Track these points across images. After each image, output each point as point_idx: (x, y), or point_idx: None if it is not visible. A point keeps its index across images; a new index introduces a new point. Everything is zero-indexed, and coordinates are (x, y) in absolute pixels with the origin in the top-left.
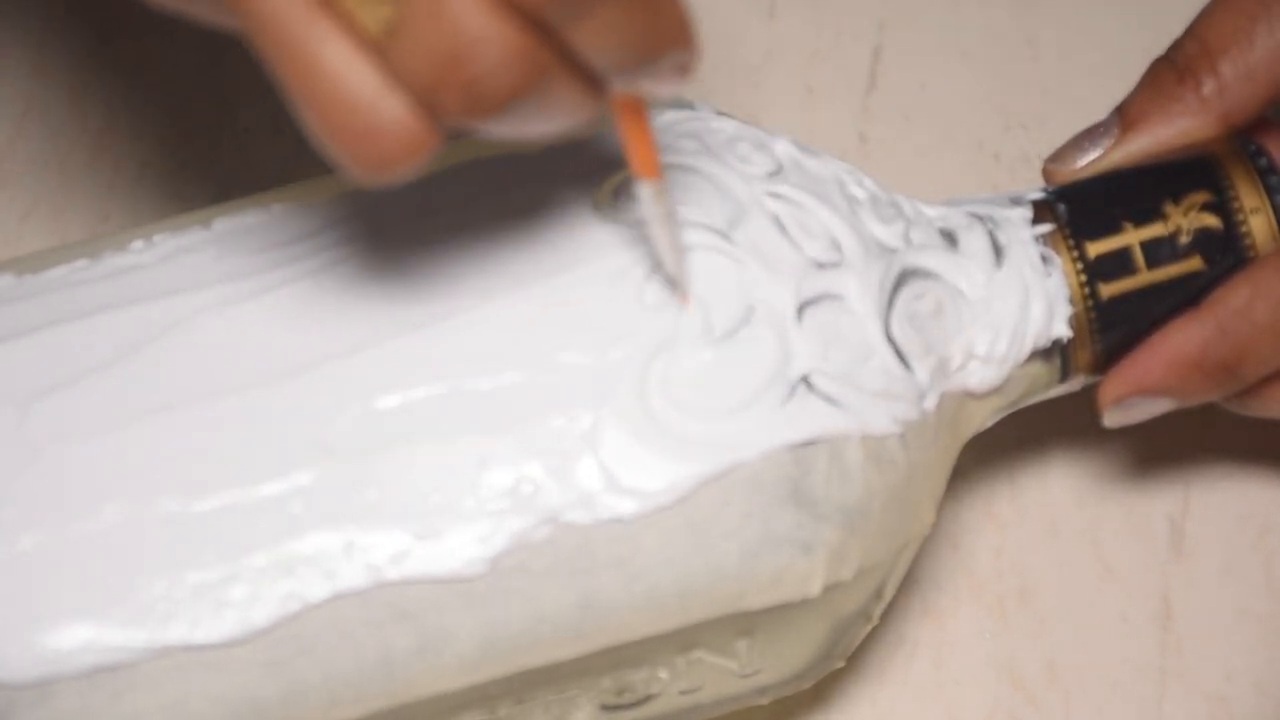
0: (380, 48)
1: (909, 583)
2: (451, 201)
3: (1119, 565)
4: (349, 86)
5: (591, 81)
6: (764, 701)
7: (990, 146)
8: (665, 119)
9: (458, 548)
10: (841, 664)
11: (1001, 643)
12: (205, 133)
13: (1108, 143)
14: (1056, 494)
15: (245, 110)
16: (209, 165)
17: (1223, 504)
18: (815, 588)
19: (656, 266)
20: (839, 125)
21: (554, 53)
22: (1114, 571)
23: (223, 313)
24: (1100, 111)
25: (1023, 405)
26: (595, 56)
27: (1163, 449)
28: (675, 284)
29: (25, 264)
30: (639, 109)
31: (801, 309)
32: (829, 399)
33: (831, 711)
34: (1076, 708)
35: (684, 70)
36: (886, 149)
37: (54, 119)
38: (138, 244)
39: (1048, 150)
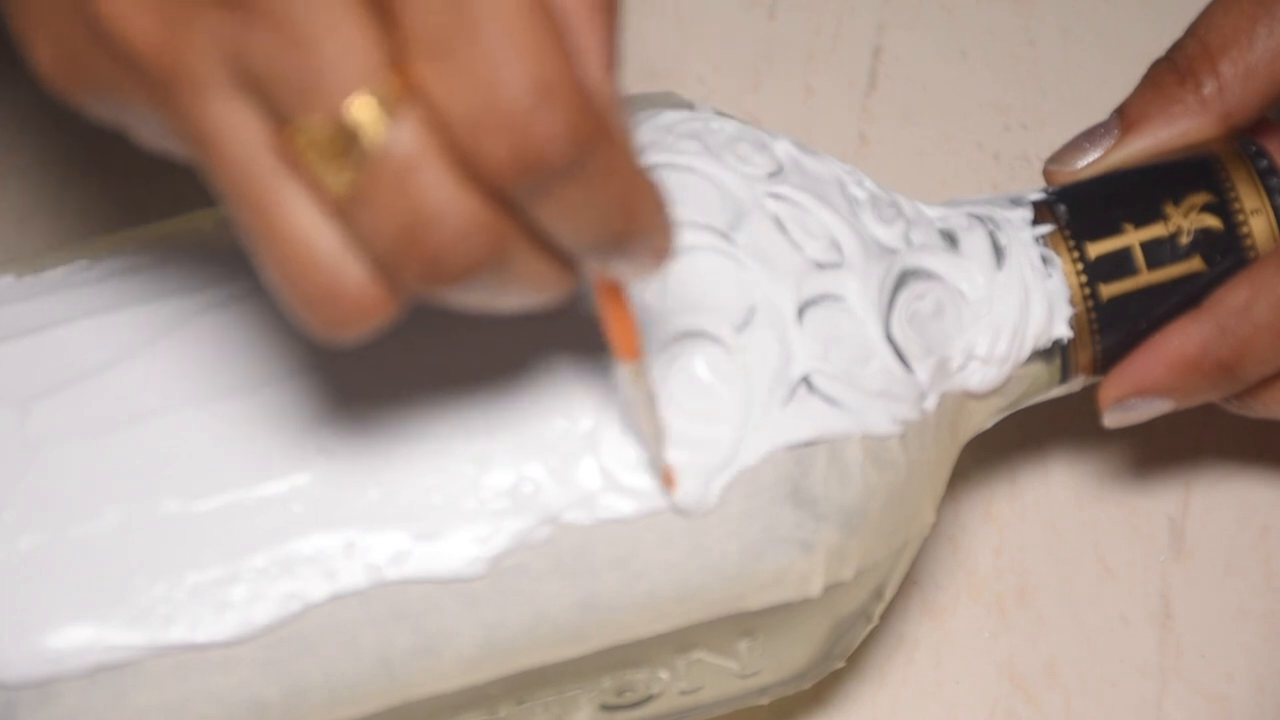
0: (343, 211)
1: (909, 582)
2: None
3: (1119, 565)
4: (311, 246)
5: (562, 260)
6: (764, 702)
7: (990, 146)
8: (666, 119)
9: (458, 548)
10: (842, 664)
11: (1001, 642)
12: None
13: (1108, 144)
14: (1056, 494)
15: None
16: None
17: (1223, 504)
18: (815, 588)
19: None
20: (839, 125)
21: (519, 228)
22: (1114, 571)
23: (222, 313)
24: (1100, 111)
25: (1023, 405)
26: (563, 236)
27: (1163, 449)
28: (655, 468)
29: (25, 265)
30: (616, 291)
31: (802, 309)
32: (829, 399)
33: (831, 711)
34: (1076, 708)
35: (660, 254)
36: (886, 149)
37: (54, 119)
38: (137, 245)
39: (1047, 150)
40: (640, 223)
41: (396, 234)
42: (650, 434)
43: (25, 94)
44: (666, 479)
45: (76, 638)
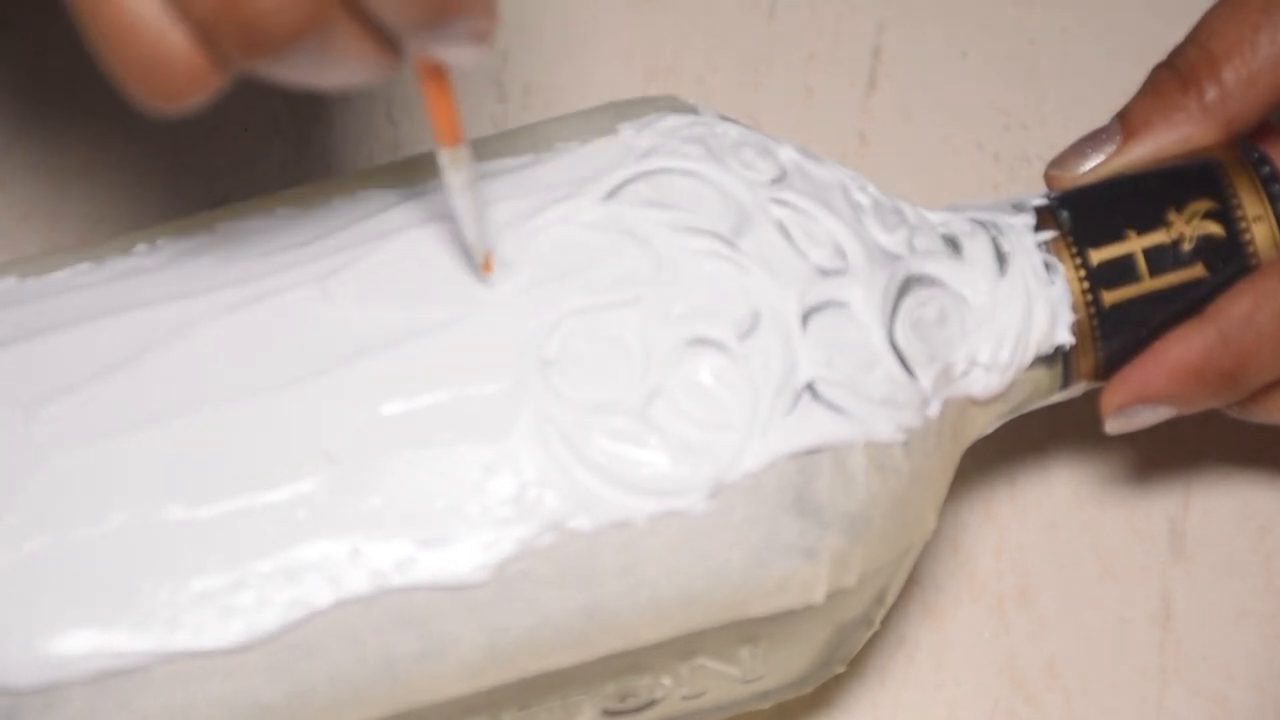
0: None
1: (910, 583)
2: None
3: (1119, 565)
4: (132, 13)
5: (382, 39)
6: (765, 706)
7: (990, 146)
8: (669, 123)
9: (463, 554)
10: (843, 669)
11: (1001, 643)
12: (204, 133)
13: (1110, 149)
14: (1057, 494)
15: (245, 110)
16: (208, 165)
17: (1223, 504)
18: (819, 595)
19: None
20: (839, 125)
21: (339, 1)
22: (1114, 572)
23: (227, 318)
24: (1100, 111)
25: (1024, 411)
26: (384, 13)
27: (1163, 449)
28: (473, 253)
29: (28, 266)
30: (439, 74)
31: (806, 316)
32: (833, 407)
33: (832, 712)
34: (1076, 708)
35: (480, 37)
36: (886, 149)
37: (53, 119)
38: (141, 247)
39: (1048, 150)
40: (458, 3)
41: (216, 1)
42: (469, 218)
43: (25, 93)
44: (486, 265)
45: (81, 643)
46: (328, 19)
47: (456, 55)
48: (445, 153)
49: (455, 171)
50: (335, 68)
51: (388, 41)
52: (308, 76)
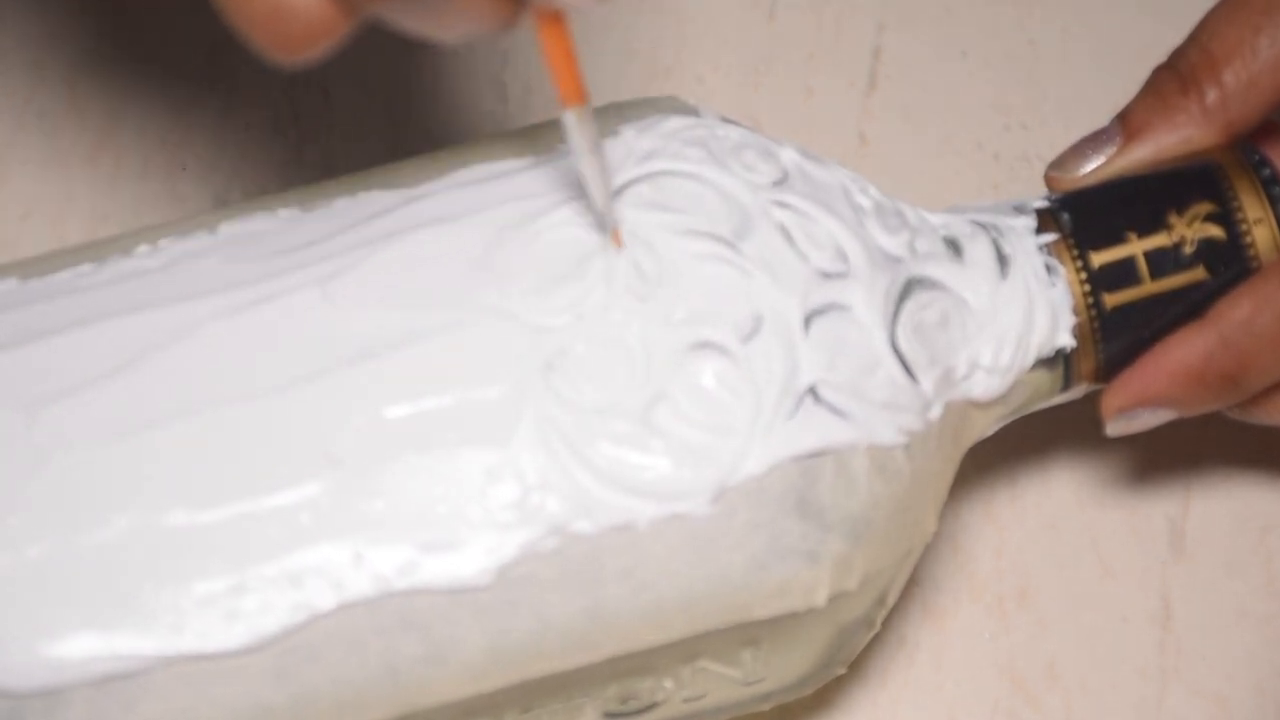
0: None
1: (909, 584)
2: (458, 211)
3: (1119, 566)
4: None
5: None
6: (766, 708)
7: (990, 146)
8: (670, 125)
9: (465, 558)
10: (844, 670)
11: (1001, 643)
12: (205, 132)
13: (1110, 150)
14: (1057, 494)
15: (245, 110)
16: (209, 165)
17: (1223, 504)
18: (821, 598)
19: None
20: (839, 125)
21: None
22: (1114, 572)
23: (229, 320)
24: (1100, 111)
25: (1025, 413)
26: None
27: (1163, 450)
28: (603, 222)
29: (30, 267)
30: (559, 23)
31: (808, 319)
32: (835, 410)
33: (833, 712)
34: (1076, 708)
35: None
36: (886, 149)
37: (54, 118)
38: (143, 248)
39: (1048, 150)
40: None
41: None
42: (598, 185)
43: (27, 93)
44: (615, 237)
45: (84, 646)
46: None
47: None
48: (570, 113)
49: (581, 133)
50: (458, 14)
51: None
52: (430, 24)
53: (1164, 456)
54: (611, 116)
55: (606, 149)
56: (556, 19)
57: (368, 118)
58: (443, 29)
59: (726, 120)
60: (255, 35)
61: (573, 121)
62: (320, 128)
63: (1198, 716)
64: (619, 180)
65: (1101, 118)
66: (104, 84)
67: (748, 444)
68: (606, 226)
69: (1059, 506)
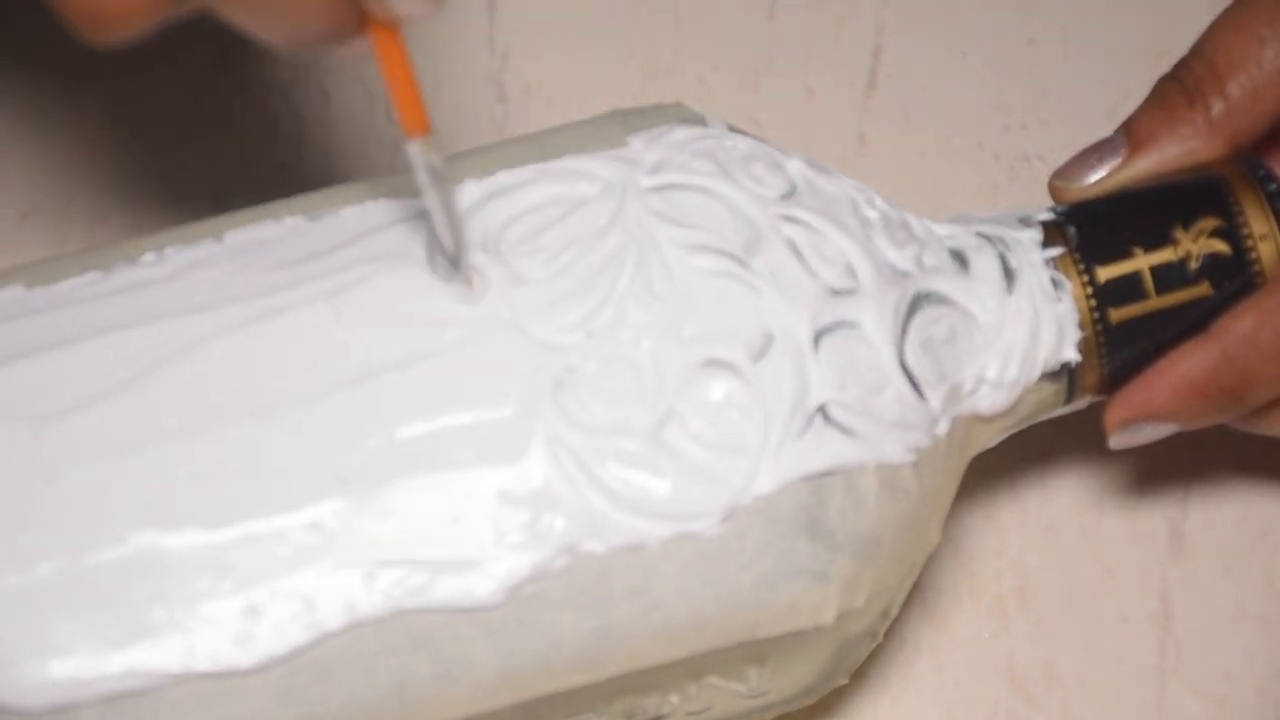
0: None
1: None
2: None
3: (1119, 566)
4: None
5: None
6: (768, 718)
7: (990, 146)
8: (678, 136)
9: (476, 578)
10: (846, 681)
11: (1001, 644)
12: (205, 133)
13: (1115, 161)
14: (1057, 496)
15: (245, 111)
16: (209, 165)
17: (1222, 505)
18: (829, 616)
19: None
20: (839, 125)
21: None
22: (1114, 572)
23: (238, 335)
24: (1100, 111)
25: (1029, 424)
26: None
27: (1162, 450)
28: (454, 260)
29: (35, 274)
30: (397, 44)
31: (818, 337)
32: (845, 430)
33: (832, 713)
34: (1076, 708)
35: None
36: (886, 149)
37: (54, 119)
38: (149, 256)
39: (1048, 150)
40: None
41: None
42: (446, 220)
43: (27, 92)
44: (468, 278)
45: (94, 665)
46: None
47: (410, 6)
48: (414, 145)
49: (427, 166)
50: (284, 8)
51: None
52: (256, 20)
53: (1164, 458)
54: (618, 125)
55: (450, 181)
56: (392, 33)
57: (368, 118)
58: (272, 28)
59: (734, 130)
60: (69, 10)
61: (415, 153)
62: (320, 128)
63: (1197, 716)
64: (628, 193)
65: (1101, 118)
66: (104, 85)
67: (758, 464)
68: (459, 266)
69: (1059, 507)
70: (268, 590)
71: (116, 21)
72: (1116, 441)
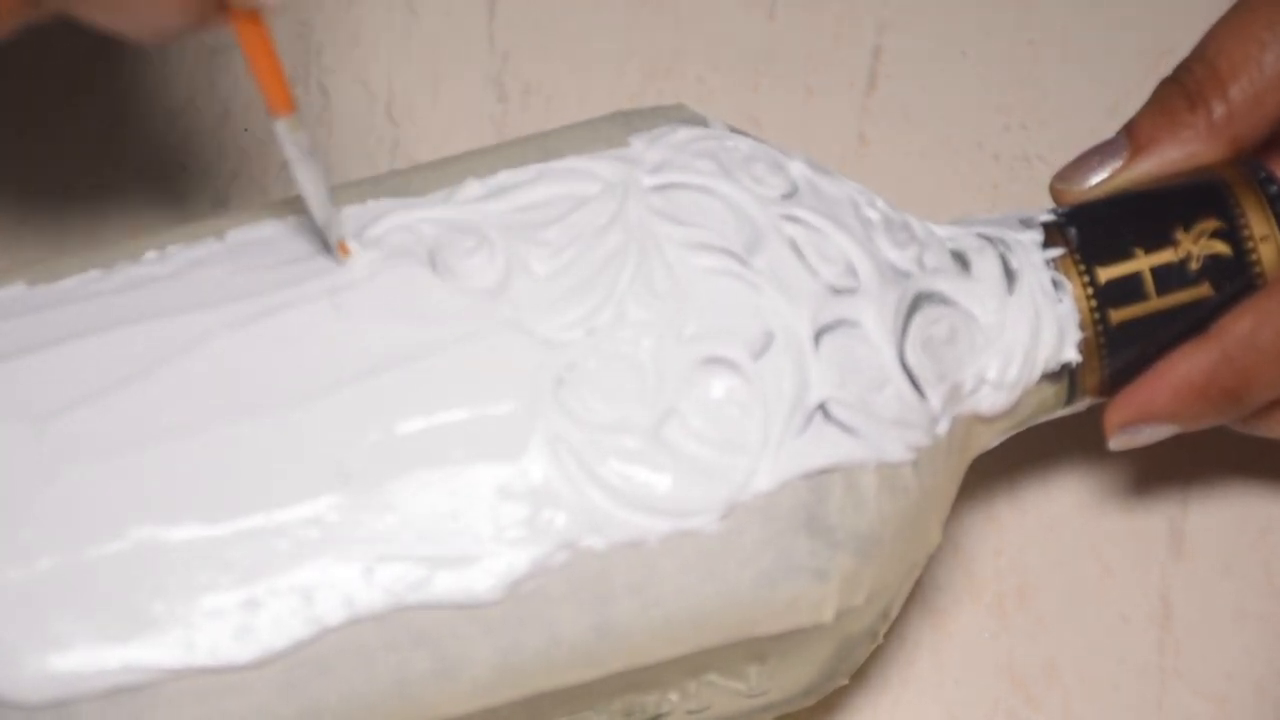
0: None
1: None
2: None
3: (1119, 565)
4: None
5: None
6: (768, 718)
7: (990, 146)
8: (680, 137)
9: (477, 573)
10: (846, 681)
11: (1001, 643)
12: (205, 133)
13: (1116, 164)
14: (1056, 494)
15: (245, 111)
16: (209, 166)
17: (1222, 505)
18: (828, 614)
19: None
20: (839, 125)
21: None
22: (1114, 572)
23: (240, 331)
24: (1100, 111)
25: (1029, 425)
26: None
27: (1162, 449)
28: (325, 235)
29: (37, 273)
30: (256, 23)
31: (818, 336)
32: (845, 427)
33: (832, 712)
34: (1076, 708)
35: None
36: (886, 149)
37: (54, 119)
38: (151, 254)
39: (1048, 150)
40: None
41: None
42: (315, 195)
43: (27, 92)
44: (341, 248)
45: (94, 659)
46: None
47: None
48: (281, 123)
49: (294, 143)
50: (141, 6)
51: None
52: (116, 17)
53: (1164, 458)
54: (619, 126)
55: (318, 157)
56: (253, 19)
57: (368, 118)
58: (131, 23)
59: (735, 130)
60: None
61: (283, 131)
62: (320, 128)
63: (1197, 716)
64: (630, 192)
65: (1101, 118)
66: (104, 84)
67: (758, 461)
68: (330, 239)
69: (1059, 506)
70: (267, 585)
71: None
72: (1116, 443)
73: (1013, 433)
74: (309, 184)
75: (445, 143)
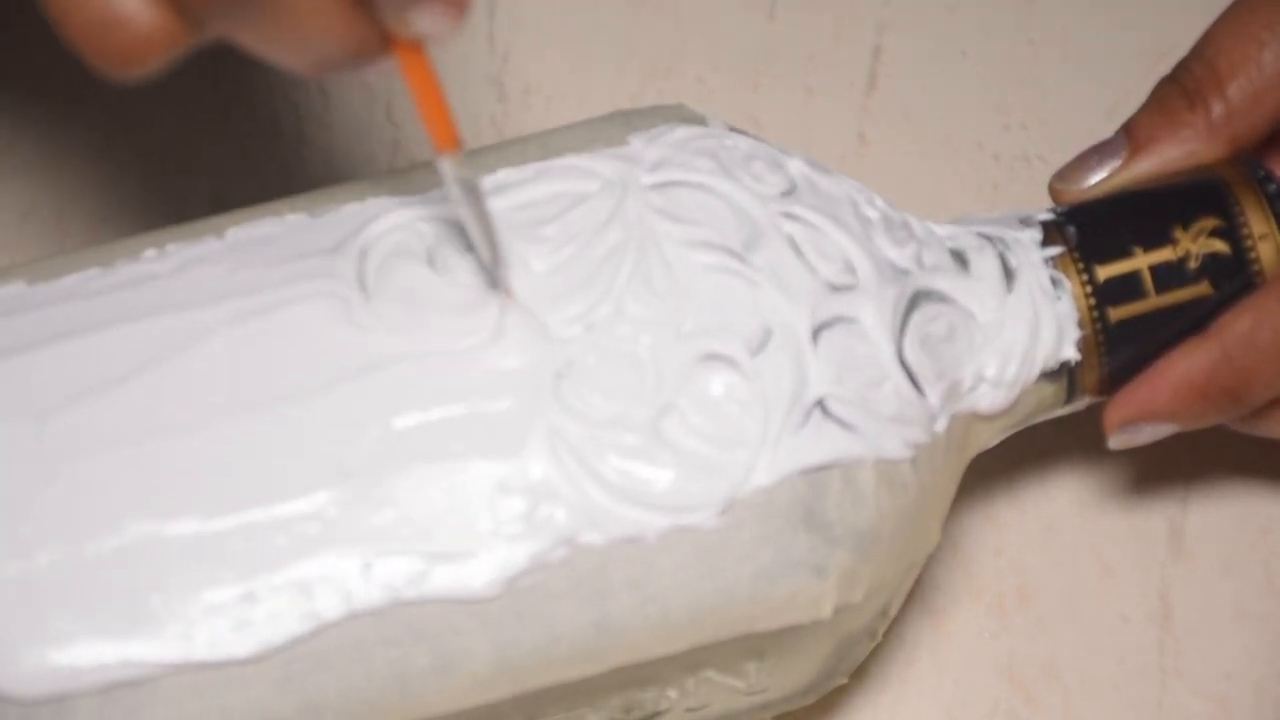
0: None
1: None
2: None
3: (1118, 565)
4: None
5: (354, 4)
6: (767, 717)
7: (990, 146)
8: (679, 135)
9: (474, 569)
10: (845, 680)
11: (1001, 643)
12: (206, 134)
13: (1115, 163)
14: (1056, 494)
15: (245, 111)
16: (210, 165)
17: (1222, 504)
18: (826, 610)
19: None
20: (839, 125)
21: None
22: (1113, 571)
23: (239, 328)
24: (1100, 111)
25: (1028, 424)
26: None
27: (1162, 449)
28: (492, 274)
29: (37, 271)
30: (421, 62)
31: (817, 332)
32: (843, 423)
33: (832, 711)
34: (1076, 708)
35: (455, 3)
36: (886, 149)
37: (54, 119)
38: (150, 252)
39: (1048, 150)
40: None
41: None
42: (482, 236)
43: (26, 93)
44: (506, 291)
45: (91, 654)
46: None
47: (432, 24)
48: (447, 161)
49: (460, 182)
50: (302, 30)
51: (360, 8)
52: (279, 46)
53: (1164, 457)
54: (619, 125)
55: (483, 195)
56: (417, 51)
57: (368, 118)
58: (293, 53)
59: (734, 130)
60: (85, 47)
61: (448, 169)
62: (320, 128)
63: (1197, 716)
64: (628, 190)
65: (1101, 118)
66: (105, 84)
67: (756, 457)
68: (497, 280)
69: (1058, 506)
70: (266, 580)
71: (135, 58)
72: (1116, 442)
73: (1012, 431)
74: (474, 222)
75: None
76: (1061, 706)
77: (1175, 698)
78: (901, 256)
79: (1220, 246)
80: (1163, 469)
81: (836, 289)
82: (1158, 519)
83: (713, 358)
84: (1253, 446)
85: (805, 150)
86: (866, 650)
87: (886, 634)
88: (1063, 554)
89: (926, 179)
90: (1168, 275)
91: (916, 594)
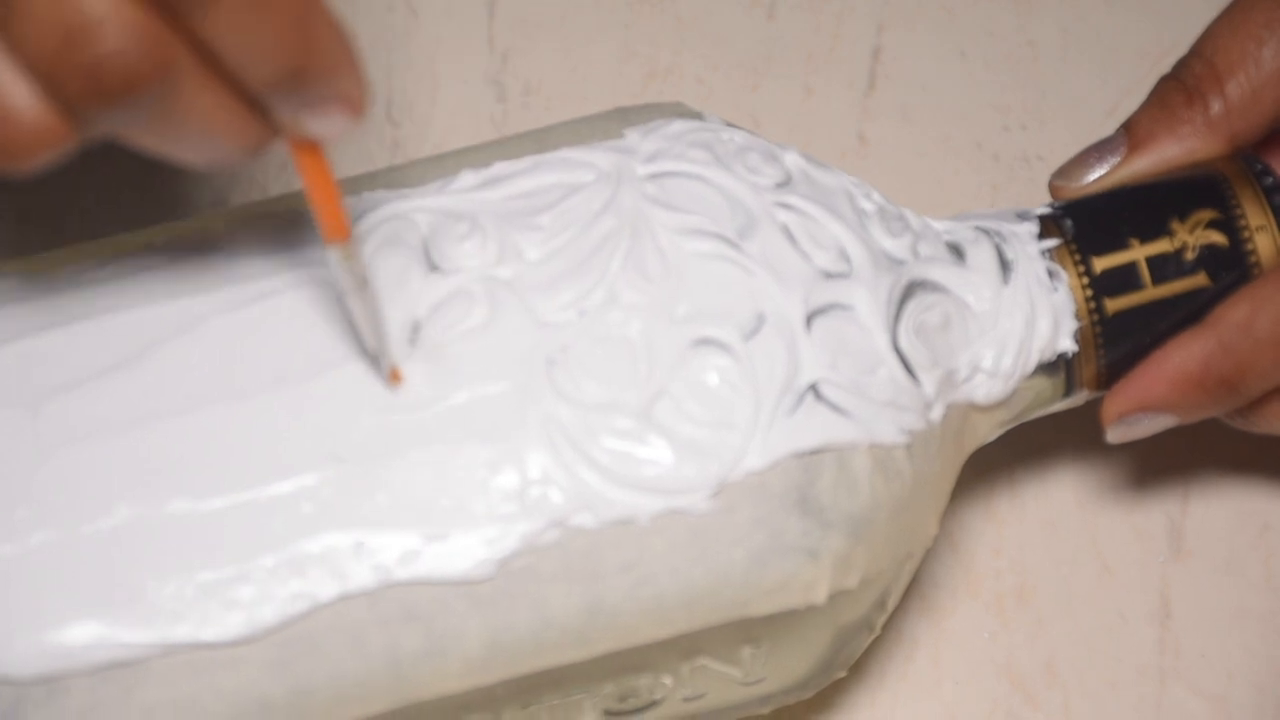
0: (2, 28)
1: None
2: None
3: (1118, 564)
4: None
5: (244, 101)
6: (765, 710)
7: (990, 146)
8: (675, 128)
9: (467, 550)
10: (844, 674)
11: (1000, 642)
12: None
13: (1114, 160)
14: (1056, 492)
15: None
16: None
17: (1222, 503)
18: (820, 595)
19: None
20: (839, 125)
21: (187, 46)
22: (1113, 571)
23: (234, 315)
24: (1099, 112)
25: (1027, 418)
26: (236, 61)
27: (1162, 448)
28: (378, 361)
29: (32, 264)
30: (316, 155)
31: (810, 318)
32: (837, 408)
33: (831, 710)
34: (1076, 707)
35: (351, 104)
36: (886, 149)
37: None
38: (146, 247)
39: (1048, 150)
40: (321, 59)
41: (55, 44)
42: (368, 323)
43: None
44: (393, 375)
45: (85, 634)
46: (175, 63)
47: (326, 125)
48: (335, 250)
49: (348, 271)
50: (193, 129)
51: (251, 106)
52: (170, 143)
53: (1163, 455)
54: (615, 120)
55: (371, 286)
56: (313, 149)
57: (368, 118)
58: (184, 150)
59: (730, 124)
60: None
61: (336, 258)
62: None
63: (1197, 715)
64: (623, 180)
65: (1101, 118)
66: None
67: (748, 440)
68: (382, 367)
69: (1058, 504)
70: (258, 561)
71: (21, 154)
72: (1114, 435)
73: (1011, 426)
74: (361, 313)
75: (445, 142)
76: (1061, 705)
77: (1175, 697)
78: (897, 247)
79: (1217, 238)
80: (1163, 468)
81: (831, 276)
82: (1158, 517)
83: (705, 342)
84: (1252, 445)
85: (805, 150)
86: (864, 643)
87: (885, 632)
88: (1062, 552)
89: (926, 179)
90: (1164, 267)
91: (916, 592)
